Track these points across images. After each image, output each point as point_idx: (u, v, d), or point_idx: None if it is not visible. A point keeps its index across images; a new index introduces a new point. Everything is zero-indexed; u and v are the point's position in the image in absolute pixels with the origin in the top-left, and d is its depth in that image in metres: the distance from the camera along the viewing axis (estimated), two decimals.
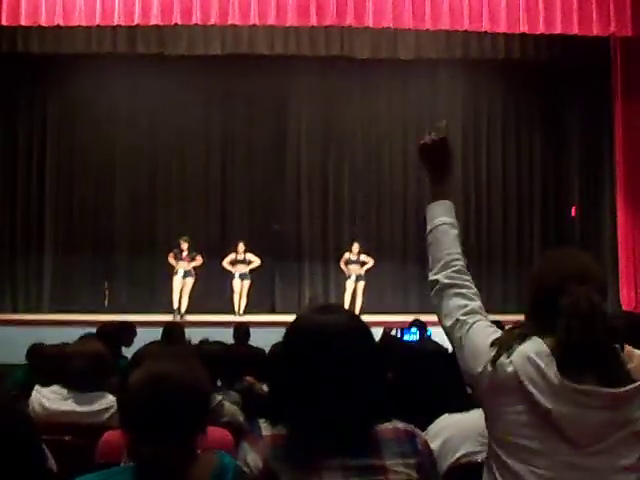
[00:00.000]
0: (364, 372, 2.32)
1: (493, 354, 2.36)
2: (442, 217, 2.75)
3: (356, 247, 16.64)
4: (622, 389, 2.25)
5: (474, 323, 2.49)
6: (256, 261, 16.55)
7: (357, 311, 15.40)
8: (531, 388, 2.27)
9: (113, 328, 8.35)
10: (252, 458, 2.29)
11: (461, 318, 2.50)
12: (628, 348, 2.43)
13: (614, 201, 16.75)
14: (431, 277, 2.68)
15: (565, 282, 2.34)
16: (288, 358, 2.38)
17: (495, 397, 2.35)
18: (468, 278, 2.62)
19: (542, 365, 2.27)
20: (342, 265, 16.76)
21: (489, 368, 2.35)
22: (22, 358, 7.51)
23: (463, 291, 2.57)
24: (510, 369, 2.31)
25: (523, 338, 2.35)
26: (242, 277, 16.41)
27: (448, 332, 2.55)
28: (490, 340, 2.41)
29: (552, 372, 2.26)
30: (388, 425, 2.37)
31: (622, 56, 16.12)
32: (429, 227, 2.78)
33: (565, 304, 2.29)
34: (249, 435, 2.37)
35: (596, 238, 17.47)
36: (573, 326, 2.26)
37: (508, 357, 2.32)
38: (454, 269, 2.62)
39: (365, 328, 2.43)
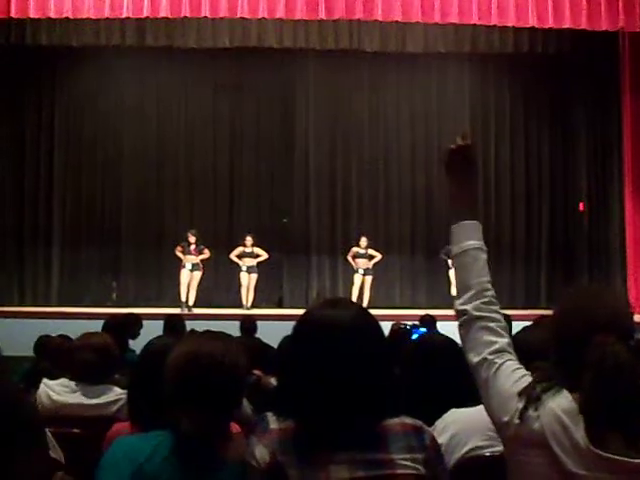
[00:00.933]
0: (373, 367, 2.31)
1: (521, 407, 2.30)
2: (471, 240, 2.62)
3: (364, 241, 16.65)
4: None
5: (502, 364, 2.41)
6: (263, 255, 16.54)
7: (364, 305, 15.47)
8: (556, 448, 2.22)
9: (120, 321, 8.37)
10: (259, 451, 2.28)
11: (489, 357, 2.43)
12: None
13: (622, 196, 16.75)
14: (459, 307, 2.56)
15: (591, 332, 2.26)
16: (297, 351, 2.37)
17: (519, 448, 2.31)
18: (497, 308, 2.54)
19: (570, 425, 2.21)
20: (350, 259, 16.77)
21: (516, 420, 2.30)
22: (29, 351, 7.52)
23: (492, 325, 2.49)
24: (537, 425, 2.25)
25: (552, 390, 2.29)
26: (249, 270, 16.40)
27: (474, 369, 2.48)
28: (518, 388, 2.35)
29: (579, 435, 2.20)
30: (396, 420, 2.36)
31: (631, 51, 16.13)
32: (456, 250, 2.63)
33: (591, 359, 2.21)
34: (257, 428, 2.37)
35: (604, 233, 17.46)
36: (600, 383, 2.19)
37: (536, 410, 2.27)
38: (484, 300, 2.52)
39: (374, 322, 2.42)
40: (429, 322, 10.54)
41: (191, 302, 16.01)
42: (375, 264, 16.70)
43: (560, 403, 2.26)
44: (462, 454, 3.14)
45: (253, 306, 16.19)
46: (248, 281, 16.40)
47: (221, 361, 2.56)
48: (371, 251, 16.69)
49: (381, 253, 16.79)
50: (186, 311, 15.36)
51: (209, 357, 2.56)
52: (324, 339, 2.31)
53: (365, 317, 2.42)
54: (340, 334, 2.31)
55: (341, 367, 2.26)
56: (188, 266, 16.04)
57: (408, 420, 2.39)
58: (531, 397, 2.30)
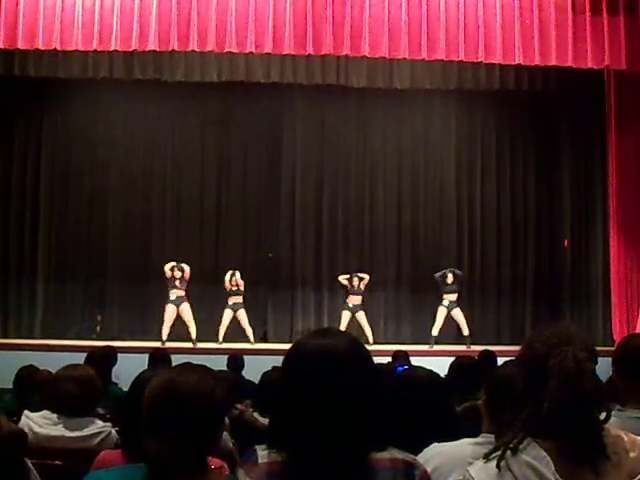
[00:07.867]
0: (366, 396, 2.28)
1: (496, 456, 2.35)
2: None
3: (356, 280, 16.61)
4: None
5: None
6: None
7: (371, 341, 15.78)
8: None
9: (103, 353, 8.34)
10: None
11: None
12: (630, 437, 2.43)
13: (607, 232, 16.76)
14: None
15: (552, 348, 2.39)
16: (289, 381, 2.33)
17: None
18: None
19: (541, 468, 2.28)
20: (342, 279, 16.89)
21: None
22: (11, 383, 7.48)
23: None
24: (509, 475, 2.31)
25: (522, 444, 2.34)
26: (235, 307, 16.33)
27: None
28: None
29: (550, 473, 2.27)
30: (386, 454, 2.33)
31: (616, 89, 16.19)
32: None
33: (552, 364, 2.33)
34: (246, 462, 2.33)
35: (588, 270, 17.49)
36: (563, 385, 2.29)
37: (505, 462, 2.33)
38: None
39: (366, 351, 2.40)
40: (401, 357, 10.58)
41: (194, 335, 15.90)
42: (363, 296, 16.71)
43: (530, 453, 2.31)
44: None
45: (234, 341, 15.99)
46: (231, 319, 16.27)
47: (193, 392, 2.54)
48: (363, 281, 16.75)
49: (366, 289, 16.82)
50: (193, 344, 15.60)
51: (182, 387, 2.54)
52: (317, 368, 2.28)
53: (358, 345, 2.40)
54: (334, 362, 2.28)
55: (335, 395, 2.23)
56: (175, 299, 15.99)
57: (399, 455, 2.36)
58: (499, 451, 2.35)
